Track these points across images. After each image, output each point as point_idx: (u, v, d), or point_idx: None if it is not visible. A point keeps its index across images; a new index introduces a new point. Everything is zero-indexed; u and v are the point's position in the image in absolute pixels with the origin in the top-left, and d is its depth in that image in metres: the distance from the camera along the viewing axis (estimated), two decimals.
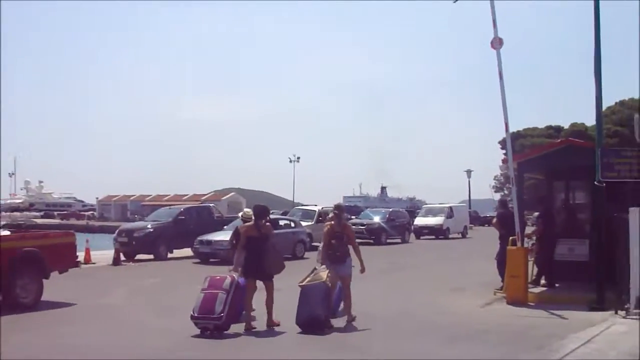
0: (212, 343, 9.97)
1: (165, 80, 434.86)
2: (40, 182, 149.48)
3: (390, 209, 41.51)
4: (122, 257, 23.56)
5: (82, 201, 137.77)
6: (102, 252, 25.85)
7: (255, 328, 10.75)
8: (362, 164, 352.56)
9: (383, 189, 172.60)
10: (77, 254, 15.64)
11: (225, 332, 10.40)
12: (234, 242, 13.09)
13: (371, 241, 34.01)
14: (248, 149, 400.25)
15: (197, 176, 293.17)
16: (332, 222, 11.62)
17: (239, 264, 11.06)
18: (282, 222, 27.31)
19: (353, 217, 44.73)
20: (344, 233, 11.50)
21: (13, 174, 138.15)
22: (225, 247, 23.27)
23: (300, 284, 11.07)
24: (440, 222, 42.14)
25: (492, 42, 14.05)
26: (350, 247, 11.64)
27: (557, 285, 15.25)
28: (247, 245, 10.97)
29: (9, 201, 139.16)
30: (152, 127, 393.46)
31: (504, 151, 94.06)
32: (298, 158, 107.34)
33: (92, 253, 23.69)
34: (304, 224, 29.24)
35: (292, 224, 27.28)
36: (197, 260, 23.66)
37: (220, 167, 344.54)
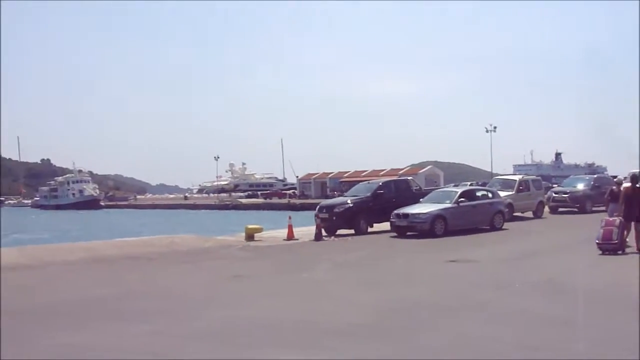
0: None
1: (352, 58, 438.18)
2: (244, 164, 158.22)
3: (595, 176, 39.00)
4: (324, 233, 24.10)
5: (283, 180, 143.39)
6: (305, 228, 26.58)
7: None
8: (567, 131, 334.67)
9: (558, 155, 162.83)
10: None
11: (618, 252, 16.08)
12: (609, 198, 19.62)
13: (575, 209, 32.36)
14: (441, 121, 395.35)
15: (392, 151, 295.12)
16: (629, 185, 16.90)
17: (621, 212, 16.65)
18: (479, 193, 26.74)
19: (555, 185, 42.63)
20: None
21: (218, 157, 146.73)
22: (423, 220, 23.35)
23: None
24: None
25: None
26: None
27: None
28: (625, 200, 16.58)
29: (215, 183, 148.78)
30: (347, 103, 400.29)
31: None
32: (495, 127, 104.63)
33: (294, 230, 24.48)
34: (503, 194, 28.34)
35: (490, 195, 26.48)
36: (394, 234, 23.66)
37: (414, 141, 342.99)
